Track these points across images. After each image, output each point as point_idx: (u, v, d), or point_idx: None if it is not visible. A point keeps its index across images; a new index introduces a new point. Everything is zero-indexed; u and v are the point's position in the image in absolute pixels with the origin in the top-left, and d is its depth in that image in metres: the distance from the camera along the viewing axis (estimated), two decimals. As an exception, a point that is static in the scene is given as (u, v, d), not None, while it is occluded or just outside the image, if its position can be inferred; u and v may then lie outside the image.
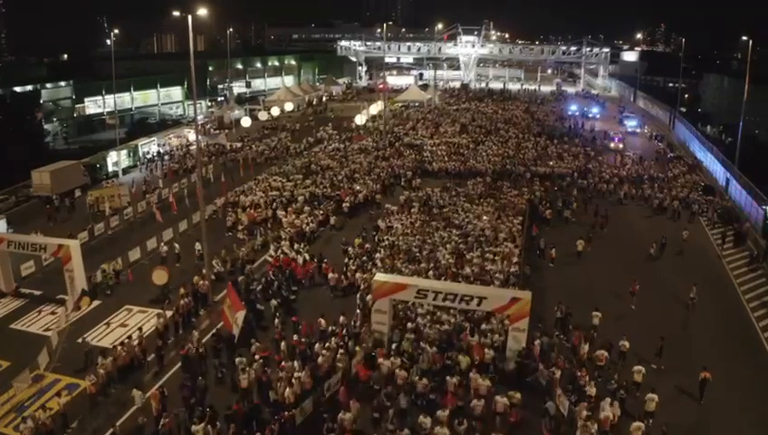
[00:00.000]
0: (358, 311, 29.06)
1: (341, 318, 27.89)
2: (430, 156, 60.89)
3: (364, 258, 34.93)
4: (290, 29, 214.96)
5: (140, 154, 63.43)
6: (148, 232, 41.18)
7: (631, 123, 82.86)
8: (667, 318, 30.76)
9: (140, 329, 27.68)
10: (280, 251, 36.26)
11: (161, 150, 66.18)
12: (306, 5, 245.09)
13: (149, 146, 65.83)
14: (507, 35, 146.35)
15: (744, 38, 55.53)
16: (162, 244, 38.15)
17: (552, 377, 23.76)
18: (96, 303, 32.44)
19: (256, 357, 24.82)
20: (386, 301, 26.31)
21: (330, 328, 27.29)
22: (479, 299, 25.16)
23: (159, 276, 32.47)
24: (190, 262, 36.09)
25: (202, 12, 30.22)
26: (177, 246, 38.16)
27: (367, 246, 36.79)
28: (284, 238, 38.36)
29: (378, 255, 34.92)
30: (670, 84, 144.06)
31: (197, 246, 36.14)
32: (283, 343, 25.82)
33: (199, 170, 35.66)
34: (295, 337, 26.21)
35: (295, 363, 24.08)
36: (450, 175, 55.42)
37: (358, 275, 32.55)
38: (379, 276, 27.39)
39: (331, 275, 33.07)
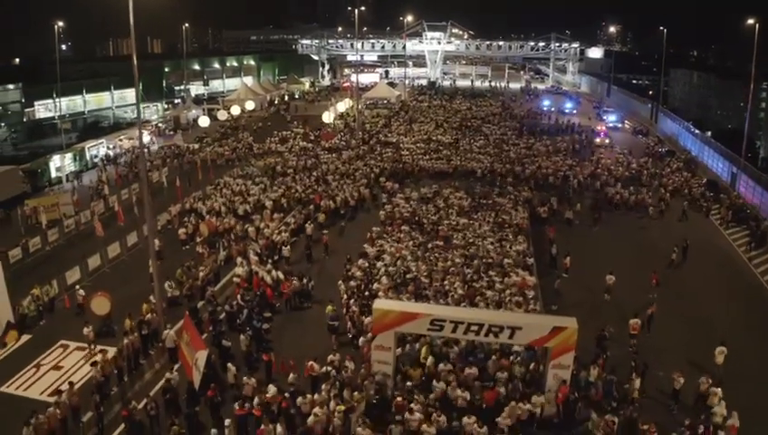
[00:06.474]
0: (352, 349, 23.38)
1: (330, 356, 22.20)
2: (409, 154, 55.58)
3: (366, 293, 27.37)
4: (248, 31, 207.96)
5: (88, 158, 57.10)
6: (90, 247, 34.66)
7: (611, 118, 79.50)
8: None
9: (71, 383, 21.24)
10: (247, 268, 30.37)
11: (110, 153, 59.66)
12: (263, 8, 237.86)
13: (98, 149, 59.48)
14: (465, 34, 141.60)
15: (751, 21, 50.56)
16: (77, 287, 29.52)
17: (611, 428, 18.44)
18: (25, 338, 26.21)
19: (226, 423, 18.74)
20: (390, 334, 20.65)
21: (328, 370, 21.51)
22: (512, 329, 19.68)
23: (100, 305, 26.18)
24: (140, 284, 29.72)
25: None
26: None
27: (358, 273, 29.88)
28: (252, 252, 32.48)
29: (377, 285, 27.85)
30: (634, 81, 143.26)
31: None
32: (256, 399, 19.85)
33: (143, 168, 29.39)
34: (269, 393, 20.24)
35: (278, 428, 18.25)
36: (433, 176, 50.08)
37: (366, 320, 24.50)
38: (381, 304, 21.63)
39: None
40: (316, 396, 19.82)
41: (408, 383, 20.62)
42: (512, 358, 22.16)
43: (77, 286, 29.18)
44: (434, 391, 20.33)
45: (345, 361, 21.91)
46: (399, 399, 19.57)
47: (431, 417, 18.98)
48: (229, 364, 22.31)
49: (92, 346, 24.69)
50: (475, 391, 20.27)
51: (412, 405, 19.29)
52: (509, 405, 19.32)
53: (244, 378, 21.29)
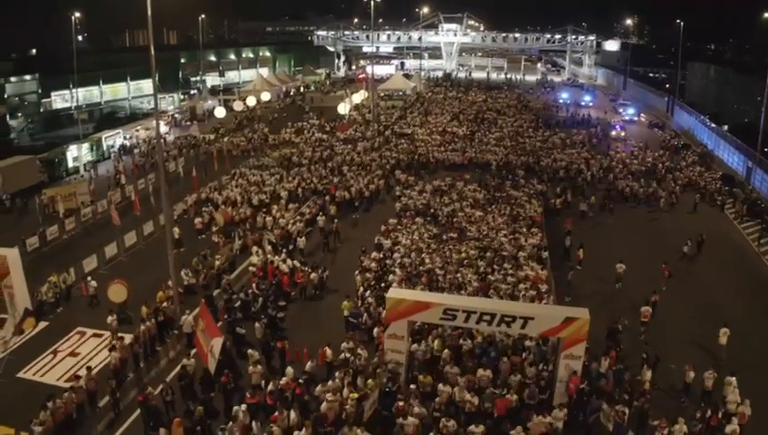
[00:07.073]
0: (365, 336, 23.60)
1: (344, 344, 22.45)
2: (424, 146, 55.70)
3: (382, 284, 27.45)
4: (263, 22, 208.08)
5: (104, 148, 57.40)
6: (107, 236, 35.05)
7: (629, 111, 79.12)
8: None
9: (89, 368, 21.59)
10: (262, 257, 30.65)
11: (127, 144, 60.14)
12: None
13: (114, 139, 59.79)
14: (481, 26, 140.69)
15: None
16: (89, 278, 29.39)
17: (621, 418, 18.54)
18: (42, 324, 26.61)
19: (242, 408, 18.90)
20: (403, 323, 20.87)
21: (346, 356, 21.72)
22: (524, 320, 19.85)
23: (117, 292, 26.53)
24: (156, 272, 29.91)
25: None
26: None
27: (373, 265, 30.00)
28: (267, 242, 32.77)
29: (392, 277, 27.89)
30: (650, 74, 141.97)
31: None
32: (271, 385, 20.09)
33: (160, 158, 29.77)
34: (284, 378, 20.50)
35: (292, 414, 18.46)
36: (448, 168, 50.15)
37: (383, 313, 23.34)
38: (394, 293, 21.86)
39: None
40: (330, 383, 20.03)
41: (412, 386, 20.34)
42: (524, 355, 22.17)
43: (89, 277, 29.46)
44: (440, 395, 19.98)
45: (358, 349, 22.14)
46: (401, 404, 19.25)
47: (440, 424, 18.61)
48: (250, 351, 22.47)
49: (115, 335, 24.64)
50: (486, 398, 19.93)
51: (415, 408, 19.13)
52: (533, 420, 18.85)
53: (250, 367, 21.47)
